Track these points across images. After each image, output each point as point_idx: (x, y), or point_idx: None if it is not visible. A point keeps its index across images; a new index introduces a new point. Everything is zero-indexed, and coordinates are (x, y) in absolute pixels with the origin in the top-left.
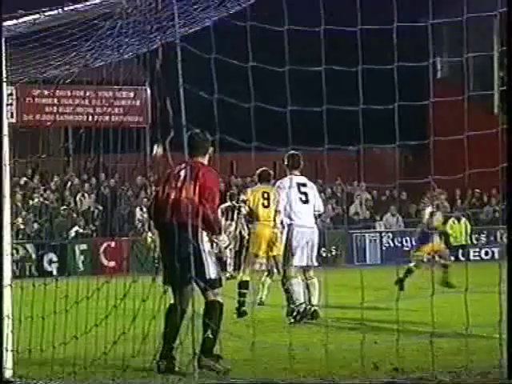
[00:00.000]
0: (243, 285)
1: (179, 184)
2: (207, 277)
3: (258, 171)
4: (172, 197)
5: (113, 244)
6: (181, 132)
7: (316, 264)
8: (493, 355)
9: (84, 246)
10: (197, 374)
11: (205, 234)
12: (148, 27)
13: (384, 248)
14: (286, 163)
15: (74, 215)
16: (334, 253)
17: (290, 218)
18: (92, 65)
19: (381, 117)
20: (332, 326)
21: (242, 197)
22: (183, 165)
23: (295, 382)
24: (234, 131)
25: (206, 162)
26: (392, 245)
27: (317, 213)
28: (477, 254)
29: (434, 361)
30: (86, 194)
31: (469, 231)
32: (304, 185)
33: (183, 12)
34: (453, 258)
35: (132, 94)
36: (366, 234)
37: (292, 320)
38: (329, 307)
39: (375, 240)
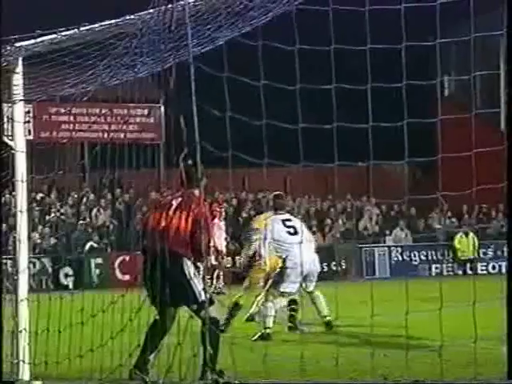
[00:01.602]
0: (236, 306)
1: (170, 212)
2: (199, 300)
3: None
4: (162, 224)
5: (127, 258)
6: (194, 149)
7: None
8: (500, 367)
9: (99, 260)
10: None
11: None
12: (162, 46)
13: (393, 262)
14: (271, 204)
15: (90, 230)
16: (343, 267)
17: (284, 250)
18: (108, 83)
19: (390, 134)
20: (342, 338)
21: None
22: (176, 194)
23: None
24: (246, 148)
25: (198, 194)
26: (401, 259)
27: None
28: (484, 268)
29: (443, 373)
30: (101, 209)
31: (476, 245)
32: (289, 220)
33: (196, 31)
34: (460, 272)
35: (146, 112)
36: (376, 249)
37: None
38: (339, 320)
39: (384, 254)
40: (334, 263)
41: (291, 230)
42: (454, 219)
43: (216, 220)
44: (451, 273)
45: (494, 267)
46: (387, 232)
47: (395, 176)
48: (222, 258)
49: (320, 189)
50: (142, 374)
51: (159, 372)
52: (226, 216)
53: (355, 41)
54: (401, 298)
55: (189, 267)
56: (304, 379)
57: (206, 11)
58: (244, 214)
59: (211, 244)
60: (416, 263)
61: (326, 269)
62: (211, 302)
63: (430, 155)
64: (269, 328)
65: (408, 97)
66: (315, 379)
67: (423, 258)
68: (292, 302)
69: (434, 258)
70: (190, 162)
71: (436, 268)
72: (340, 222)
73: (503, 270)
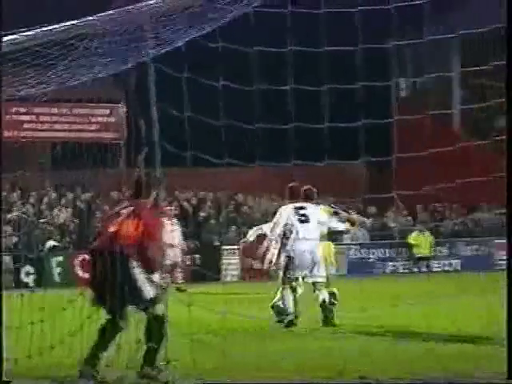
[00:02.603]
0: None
1: (119, 219)
2: (145, 298)
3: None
4: (112, 228)
5: (87, 256)
6: (154, 148)
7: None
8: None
9: (60, 258)
10: None
11: (135, 262)
12: (122, 48)
13: (350, 260)
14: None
15: (51, 228)
16: None
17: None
18: (68, 83)
19: (347, 134)
20: (301, 335)
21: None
22: (125, 204)
23: None
24: (207, 148)
25: (149, 204)
26: (358, 257)
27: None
28: (439, 266)
29: (403, 365)
30: (62, 208)
31: (432, 244)
32: (302, 207)
33: (156, 33)
34: (416, 270)
35: (108, 112)
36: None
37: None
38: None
39: (342, 252)
40: None
41: (302, 218)
42: (409, 218)
43: (167, 221)
44: (407, 270)
45: (450, 264)
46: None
47: (353, 176)
48: (180, 256)
49: (280, 188)
50: (91, 370)
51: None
52: (184, 215)
53: (314, 43)
54: (357, 295)
55: (135, 267)
56: (267, 375)
57: (165, 13)
58: (203, 214)
59: (168, 243)
60: (372, 261)
61: None
62: (157, 300)
63: (386, 155)
64: (290, 314)
65: (364, 98)
66: (275, 375)
67: (380, 255)
68: (331, 294)
69: (390, 255)
70: (141, 158)
71: (392, 266)
72: None
73: (458, 267)
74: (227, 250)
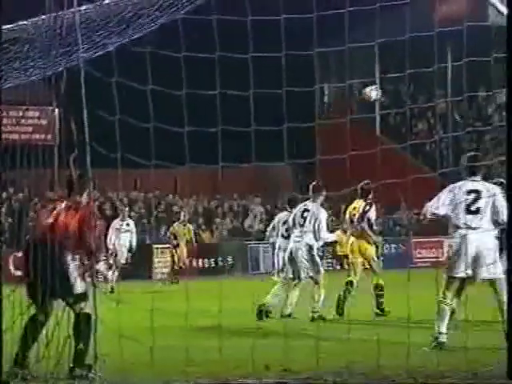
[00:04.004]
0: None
1: (56, 211)
2: (74, 292)
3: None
4: (49, 220)
5: (19, 254)
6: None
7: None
8: (371, 356)
9: None
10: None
11: (70, 255)
12: (53, 51)
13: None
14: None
15: None
16: (230, 262)
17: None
18: (1, 86)
19: (273, 136)
20: (229, 330)
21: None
22: (60, 200)
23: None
24: (138, 149)
25: (84, 201)
26: None
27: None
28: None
29: (319, 362)
30: None
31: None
32: (306, 210)
33: (87, 38)
34: (339, 267)
35: (38, 114)
36: (260, 245)
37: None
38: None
39: (268, 251)
40: (220, 259)
41: (301, 221)
42: (333, 217)
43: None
44: (330, 267)
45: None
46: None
47: (280, 177)
48: (115, 256)
49: (208, 189)
50: (22, 370)
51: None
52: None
53: (241, 48)
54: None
55: (70, 260)
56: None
57: (96, 18)
58: (133, 214)
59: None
60: None
61: (213, 265)
62: (86, 297)
63: (311, 157)
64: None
65: (290, 102)
66: (201, 370)
67: None
68: (377, 286)
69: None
70: (72, 160)
71: None
72: (228, 220)
73: (380, 264)
74: (158, 248)
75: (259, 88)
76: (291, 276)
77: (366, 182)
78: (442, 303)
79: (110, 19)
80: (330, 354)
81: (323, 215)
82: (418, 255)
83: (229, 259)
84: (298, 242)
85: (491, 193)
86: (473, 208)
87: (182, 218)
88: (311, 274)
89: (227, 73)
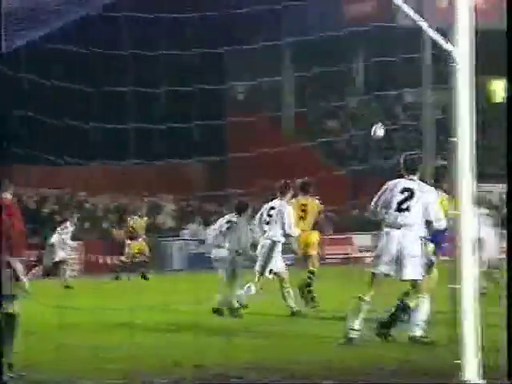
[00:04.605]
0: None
1: None
2: (5, 294)
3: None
4: None
5: None
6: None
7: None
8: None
9: None
10: None
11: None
12: None
13: (190, 255)
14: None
15: None
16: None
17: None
18: None
19: (184, 134)
20: (139, 326)
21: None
22: None
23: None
24: (51, 146)
25: (9, 197)
26: (197, 252)
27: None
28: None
29: (232, 358)
30: None
31: None
32: (272, 208)
33: None
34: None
35: None
36: (173, 242)
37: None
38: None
39: (181, 248)
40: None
41: (267, 219)
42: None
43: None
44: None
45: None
46: (184, 227)
47: (191, 174)
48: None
49: (118, 187)
50: None
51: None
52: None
53: (151, 47)
54: (197, 288)
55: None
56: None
57: (8, 13)
58: (46, 210)
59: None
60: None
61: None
62: (15, 298)
63: (222, 155)
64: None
65: (203, 100)
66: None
67: None
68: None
69: None
70: None
71: None
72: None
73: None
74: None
75: (171, 86)
76: (258, 269)
77: (283, 180)
78: (360, 300)
79: (18, 15)
80: (242, 350)
81: (289, 211)
82: (328, 252)
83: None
84: (265, 238)
85: (423, 192)
86: (404, 206)
87: (139, 211)
88: (275, 271)
89: (139, 70)
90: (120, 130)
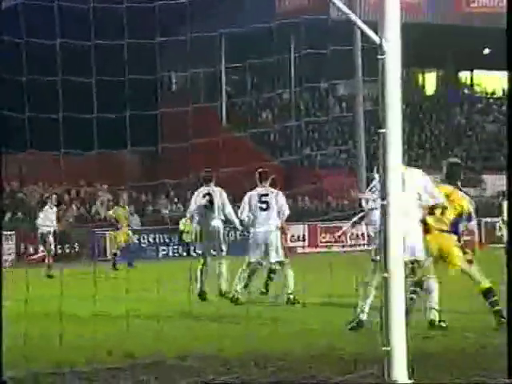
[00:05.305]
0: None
1: None
2: None
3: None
4: None
5: None
6: None
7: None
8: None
9: None
10: None
11: None
12: None
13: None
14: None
15: None
16: (77, 250)
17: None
18: None
19: (118, 125)
20: (71, 316)
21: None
22: None
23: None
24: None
25: None
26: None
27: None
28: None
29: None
30: None
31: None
32: (266, 195)
33: None
34: (185, 254)
35: None
36: (107, 232)
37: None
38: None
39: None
40: (67, 246)
41: (263, 206)
42: (180, 205)
43: None
44: (176, 254)
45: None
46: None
47: (127, 164)
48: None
49: (52, 176)
50: None
51: None
52: None
53: (83, 37)
54: (130, 278)
55: None
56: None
57: None
58: None
59: None
60: (145, 246)
61: (60, 252)
62: None
63: (155, 145)
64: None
65: (136, 91)
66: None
67: (151, 240)
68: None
69: (162, 241)
70: None
71: (163, 250)
72: (74, 207)
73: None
74: (4, 235)
75: (103, 76)
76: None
77: (206, 169)
78: (368, 285)
79: None
80: (175, 337)
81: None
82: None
83: (75, 246)
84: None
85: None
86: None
87: (121, 201)
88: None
89: (71, 60)
90: (52, 119)
